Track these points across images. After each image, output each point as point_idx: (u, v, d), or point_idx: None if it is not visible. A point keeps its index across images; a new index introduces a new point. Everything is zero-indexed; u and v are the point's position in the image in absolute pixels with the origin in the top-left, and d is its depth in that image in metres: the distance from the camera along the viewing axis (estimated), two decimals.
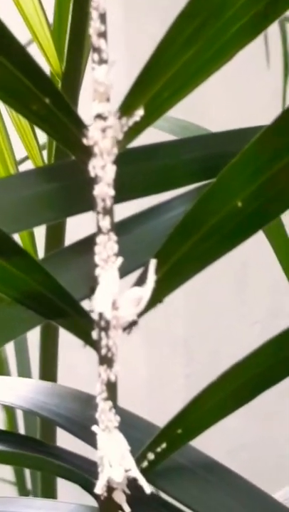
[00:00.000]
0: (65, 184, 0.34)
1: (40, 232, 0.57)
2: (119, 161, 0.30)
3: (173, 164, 0.36)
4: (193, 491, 0.36)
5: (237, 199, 0.30)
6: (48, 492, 0.64)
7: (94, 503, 0.56)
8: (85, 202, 0.32)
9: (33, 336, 0.61)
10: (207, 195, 0.30)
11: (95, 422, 0.37)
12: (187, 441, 0.35)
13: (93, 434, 0.37)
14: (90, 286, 0.31)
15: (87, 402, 0.40)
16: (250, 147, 0.29)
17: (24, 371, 0.65)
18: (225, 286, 1.06)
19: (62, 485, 0.68)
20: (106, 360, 0.32)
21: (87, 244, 0.32)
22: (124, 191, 0.32)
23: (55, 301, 0.31)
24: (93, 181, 0.30)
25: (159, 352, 1.12)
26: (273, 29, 0.76)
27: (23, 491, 0.66)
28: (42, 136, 0.58)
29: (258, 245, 1.01)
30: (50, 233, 0.58)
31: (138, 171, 0.35)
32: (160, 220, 0.37)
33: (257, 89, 0.96)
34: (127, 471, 0.33)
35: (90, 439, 0.38)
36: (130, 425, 0.37)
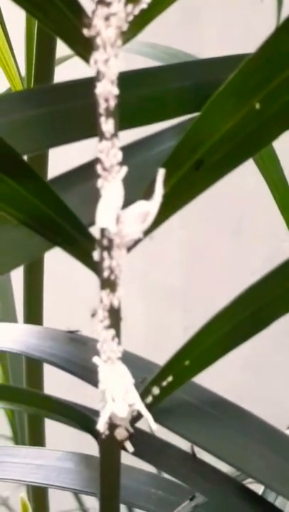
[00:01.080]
0: (62, 108, 0.30)
1: None
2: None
3: (161, 92, 0.33)
4: (201, 429, 0.33)
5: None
6: (36, 443, 0.61)
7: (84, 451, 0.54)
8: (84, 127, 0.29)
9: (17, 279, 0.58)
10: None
11: (93, 364, 0.34)
12: (195, 374, 0.32)
13: (93, 372, 0.34)
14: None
15: (83, 343, 0.37)
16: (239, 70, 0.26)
17: (8, 314, 0.61)
18: (221, 236, 1.04)
19: (50, 434, 0.65)
20: (108, 284, 0.29)
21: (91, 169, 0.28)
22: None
23: (54, 217, 0.28)
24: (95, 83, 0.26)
25: (156, 305, 1.09)
26: None
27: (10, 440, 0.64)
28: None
29: (252, 194, 0.99)
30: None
31: (125, 98, 0.31)
32: (151, 154, 0.34)
33: (252, 20, 0.92)
34: (130, 405, 0.30)
35: (89, 377, 0.35)
36: (131, 364, 0.34)
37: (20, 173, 0.27)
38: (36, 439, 0.62)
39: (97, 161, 0.27)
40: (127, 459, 0.34)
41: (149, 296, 1.13)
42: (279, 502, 0.41)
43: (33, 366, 0.57)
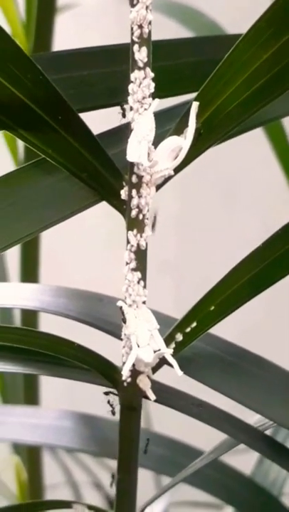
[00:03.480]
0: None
1: None
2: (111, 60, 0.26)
3: (170, 67, 0.31)
4: (224, 376, 0.33)
5: None
6: (31, 401, 0.60)
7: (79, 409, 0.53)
8: None
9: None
10: None
11: (111, 320, 0.33)
12: (219, 319, 0.31)
13: (111, 324, 0.33)
14: None
15: (99, 300, 0.36)
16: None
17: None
18: (214, 207, 1.02)
19: (46, 393, 0.64)
20: (136, 224, 0.28)
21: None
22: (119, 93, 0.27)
23: (79, 149, 0.27)
24: None
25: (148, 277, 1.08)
26: None
27: (4, 399, 0.62)
28: None
29: (245, 161, 0.98)
30: None
31: None
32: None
33: None
34: (155, 351, 0.29)
35: (108, 329, 0.34)
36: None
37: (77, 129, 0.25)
38: (31, 399, 0.61)
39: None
40: None
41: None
42: None
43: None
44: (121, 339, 0.30)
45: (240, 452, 0.55)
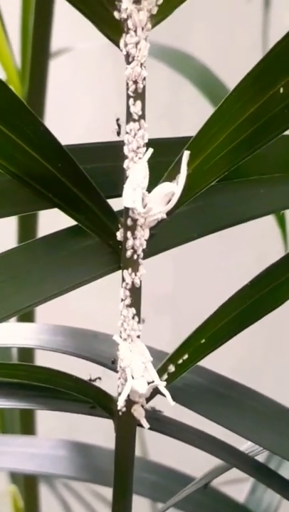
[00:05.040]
0: None
1: None
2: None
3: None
4: (214, 405, 0.34)
5: None
6: (28, 430, 0.62)
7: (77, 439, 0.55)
8: None
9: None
10: None
11: (106, 355, 0.35)
12: (209, 351, 0.33)
13: (107, 359, 0.35)
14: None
15: (94, 336, 0.38)
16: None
17: None
18: (210, 242, 1.04)
19: (41, 423, 0.66)
20: (131, 263, 0.30)
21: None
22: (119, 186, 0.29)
23: (78, 194, 0.29)
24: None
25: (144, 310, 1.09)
26: None
27: (1, 429, 0.64)
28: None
29: None
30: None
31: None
32: None
33: (239, 21, 0.93)
34: (149, 383, 0.31)
35: (104, 362, 0.35)
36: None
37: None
38: (28, 429, 0.62)
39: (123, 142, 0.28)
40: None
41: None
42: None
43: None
44: (116, 371, 0.32)
45: (233, 482, 0.56)
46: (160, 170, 0.29)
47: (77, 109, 1.02)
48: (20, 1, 0.55)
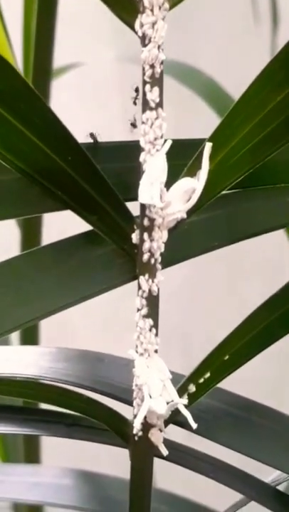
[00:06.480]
0: None
1: None
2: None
3: None
4: (234, 432, 0.31)
5: None
6: (32, 458, 0.58)
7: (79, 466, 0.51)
8: None
9: None
10: None
11: (108, 379, 0.32)
12: (234, 369, 0.30)
13: (115, 387, 0.32)
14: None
15: (99, 360, 0.35)
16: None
17: None
18: (216, 272, 1.01)
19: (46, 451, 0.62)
20: (148, 269, 0.27)
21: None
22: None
23: (93, 195, 0.26)
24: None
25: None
26: None
27: (5, 457, 0.60)
28: None
29: None
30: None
31: None
32: None
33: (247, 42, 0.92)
34: (168, 403, 0.28)
35: (110, 392, 0.32)
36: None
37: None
38: (32, 457, 0.59)
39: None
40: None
41: None
42: None
43: None
44: (124, 402, 0.29)
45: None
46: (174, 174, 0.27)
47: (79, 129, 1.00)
48: (22, 23, 0.53)
